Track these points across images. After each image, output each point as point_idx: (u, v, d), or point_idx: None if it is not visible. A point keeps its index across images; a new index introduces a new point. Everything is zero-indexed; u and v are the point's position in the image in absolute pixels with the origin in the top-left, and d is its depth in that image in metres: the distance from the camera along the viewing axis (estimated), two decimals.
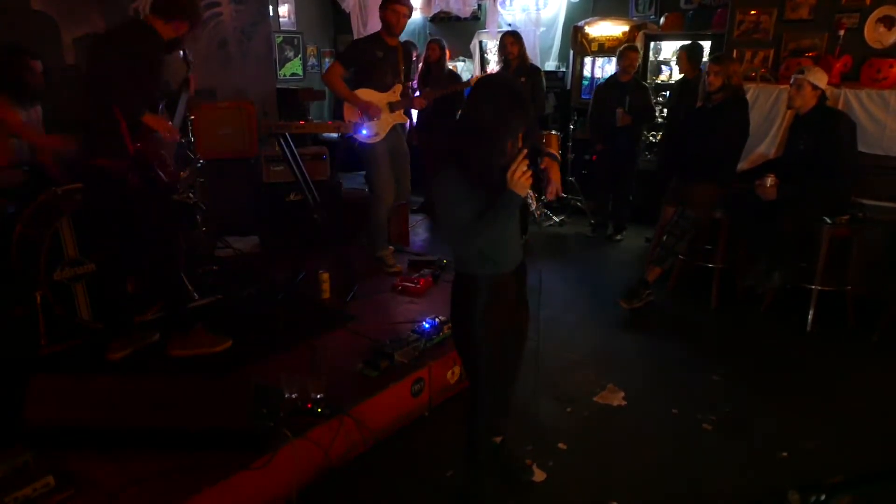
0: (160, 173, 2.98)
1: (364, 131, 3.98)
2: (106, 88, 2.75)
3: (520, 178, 1.91)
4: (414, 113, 6.64)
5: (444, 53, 6.02)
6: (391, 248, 4.40)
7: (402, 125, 4.31)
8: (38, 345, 3.06)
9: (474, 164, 1.94)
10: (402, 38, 8.18)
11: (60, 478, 2.07)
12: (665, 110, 5.82)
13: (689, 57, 5.01)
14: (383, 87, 4.00)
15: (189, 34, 3.00)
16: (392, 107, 4.03)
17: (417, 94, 6.31)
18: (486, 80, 2.15)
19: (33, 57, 3.56)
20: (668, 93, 5.76)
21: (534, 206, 2.03)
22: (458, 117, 2.04)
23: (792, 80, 3.81)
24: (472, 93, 2.06)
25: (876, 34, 4.29)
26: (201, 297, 3.74)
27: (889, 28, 4.24)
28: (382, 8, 3.92)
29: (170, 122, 3.05)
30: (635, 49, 5.41)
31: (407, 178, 4.32)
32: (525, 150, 1.95)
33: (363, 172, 4.29)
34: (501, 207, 1.95)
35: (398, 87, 4.05)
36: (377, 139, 4.03)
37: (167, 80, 3.32)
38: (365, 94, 3.96)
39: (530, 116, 2.02)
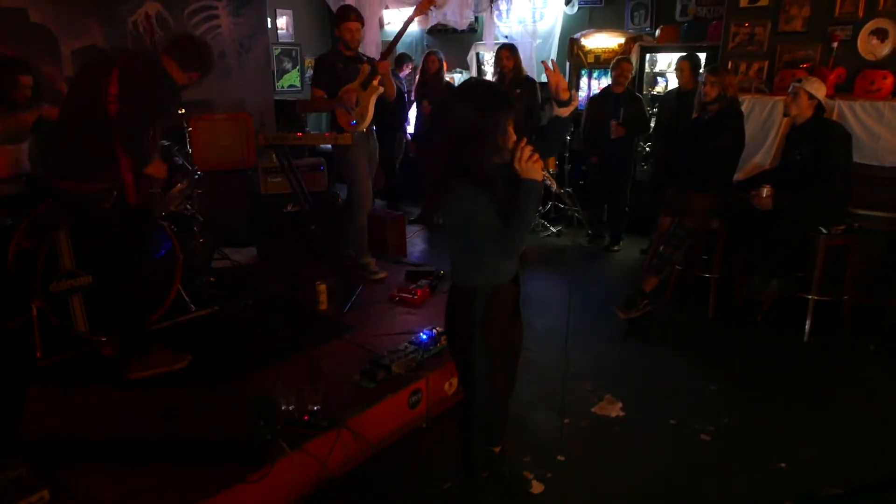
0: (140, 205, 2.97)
1: (354, 122, 4.06)
2: (127, 140, 2.71)
3: (527, 162, 1.90)
4: (410, 124, 6.70)
5: (443, 65, 6.06)
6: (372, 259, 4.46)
7: (395, 135, 4.38)
8: (34, 356, 3.05)
9: (475, 170, 1.93)
10: (400, 49, 8.26)
11: (56, 491, 2.06)
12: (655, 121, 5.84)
13: (692, 67, 5.04)
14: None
15: (197, 81, 3.02)
16: (364, 84, 4.08)
17: (414, 105, 6.39)
18: (459, 87, 2.15)
19: (24, 72, 3.55)
20: (659, 104, 5.77)
21: (554, 187, 2.03)
22: (442, 130, 2.03)
23: (790, 89, 3.84)
24: (450, 102, 2.05)
25: (869, 46, 4.34)
26: (198, 308, 3.74)
27: (882, 40, 4.28)
28: (337, 27, 4.13)
29: (161, 160, 3.07)
30: (628, 61, 5.44)
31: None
32: (524, 139, 1.94)
33: None
34: (525, 199, 1.92)
35: (364, 68, 4.10)
36: (365, 122, 4.11)
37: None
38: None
39: (514, 108, 2.00)
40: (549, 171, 5.99)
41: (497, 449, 2.50)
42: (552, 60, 2.19)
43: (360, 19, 4.11)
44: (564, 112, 2.22)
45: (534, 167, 1.91)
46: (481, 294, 2.05)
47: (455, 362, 2.26)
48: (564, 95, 2.16)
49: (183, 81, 2.91)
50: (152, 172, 2.93)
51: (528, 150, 1.90)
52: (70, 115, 2.81)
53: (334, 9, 7.62)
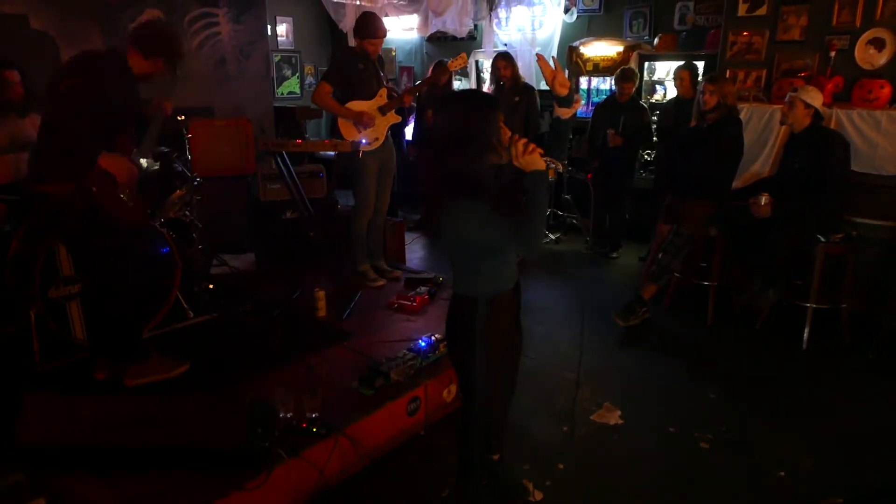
0: (116, 214, 2.83)
1: (363, 140, 4.07)
2: (64, 135, 2.61)
3: (525, 154, 1.88)
4: (409, 129, 6.71)
5: (451, 75, 6.07)
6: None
7: (394, 140, 4.40)
8: (32, 362, 3.04)
9: (470, 178, 1.91)
10: (400, 56, 8.23)
11: (53, 499, 2.05)
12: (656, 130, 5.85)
13: (692, 76, 5.07)
14: (370, 96, 4.11)
15: (166, 69, 2.87)
16: (383, 110, 4.13)
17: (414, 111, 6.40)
18: (440, 100, 2.14)
19: (8, 67, 3.54)
20: (659, 113, 5.78)
21: (560, 168, 1.99)
22: (434, 143, 1.99)
23: (786, 98, 3.86)
24: (440, 113, 2.05)
25: (866, 55, 4.36)
26: (197, 314, 3.73)
27: (879, 50, 4.30)
28: (359, 37, 4.07)
29: (127, 160, 2.86)
30: (627, 75, 5.38)
31: (387, 192, 4.41)
32: (516, 135, 1.93)
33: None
34: (534, 190, 1.90)
35: (383, 91, 4.15)
36: (377, 144, 4.14)
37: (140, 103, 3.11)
38: (355, 105, 4.07)
39: (499, 105, 2.01)
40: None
41: (496, 457, 2.50)
42: (553, 57, 2.13)
43: (384, 34, 4.11)
44: (565, 113, 2.14)
45: (534, 158, 1.88)
46: (482, 303, 2.04)
47: (455, 370, 2.26)
48: (562, 90, 2.08)
49: (147, 70, 2.79)
50: (106, 166, 2.70)
51: (521, 144, 1.89)
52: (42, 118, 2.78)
53: (334, 16, 7.66)
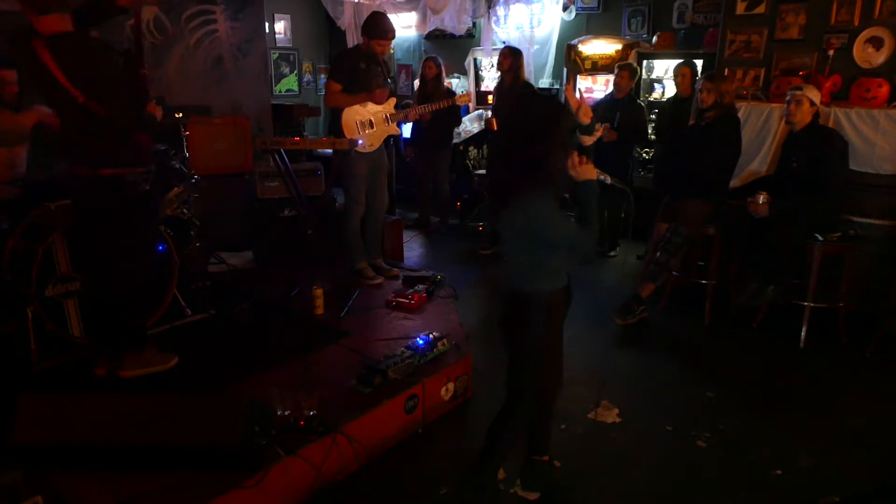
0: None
1: (360, 141, 4.07)
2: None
3: (581, 165, 2.08)
4: (407, 128, 6.70)
5: (441, 71, 6.06)
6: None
7: (393, 137, 4.51)
8: (29, 361, 3.03)
9: (550, 169, 2.01)
10: (398, 54, 8.21)
11: (49, 498, 2.05)
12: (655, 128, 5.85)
13: (693, 73, 5.06)
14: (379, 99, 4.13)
15: None
16: (388, 119, 4.16)
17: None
18: (526, 91, 2.26)
19: (6, 66, 3.52)
20: (657, 111, 5.79)
21: (609, 180, 2.21)
22: (525, 134, 2.05)
23: (789, 97, 3.85)
24: (523, 105, 2.16)
25: (864, 54, 4.36)
26: (194, 312, 3.72)
27: (877, 48, 4.30)
28: (367, 37, 4.06)
29: None
30: (624, 68, 5.40)
31: (383, 190, 4.42)
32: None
33: None
34: (587, 199, 2.10)
35: (393, 101, 4.18)
36: (372, 149, 4.15)
37: None
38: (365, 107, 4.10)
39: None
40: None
41: (545, 458, 2.51)
42: (579, 90, 2.38)
43: (394, 36, 4.13)
44: (587, 140, 2.34)
45: (588, 168, 2.10)
46: (548, 299, 2.11)
47: (513, 368, 2.27)
48: (586, 119, 2.29)
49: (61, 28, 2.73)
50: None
51: (575, 157, 2.07)
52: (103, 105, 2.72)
53: (332, 13, 7.65)
